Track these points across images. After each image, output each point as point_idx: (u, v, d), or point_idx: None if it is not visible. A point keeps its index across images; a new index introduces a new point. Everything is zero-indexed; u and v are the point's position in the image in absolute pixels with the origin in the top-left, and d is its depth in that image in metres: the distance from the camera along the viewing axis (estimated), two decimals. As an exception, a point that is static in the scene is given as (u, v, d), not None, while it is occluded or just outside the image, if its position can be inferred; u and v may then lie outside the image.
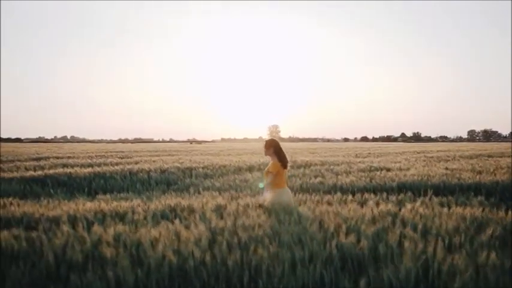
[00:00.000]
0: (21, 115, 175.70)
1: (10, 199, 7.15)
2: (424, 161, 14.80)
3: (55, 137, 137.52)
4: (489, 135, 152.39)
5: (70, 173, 10.80)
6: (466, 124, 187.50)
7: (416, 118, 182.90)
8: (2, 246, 4.17)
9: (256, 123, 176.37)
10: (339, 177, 9.57)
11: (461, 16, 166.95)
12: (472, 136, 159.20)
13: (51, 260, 3.75)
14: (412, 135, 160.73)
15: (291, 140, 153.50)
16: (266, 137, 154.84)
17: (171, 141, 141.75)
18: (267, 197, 5.34)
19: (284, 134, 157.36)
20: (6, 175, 10.95)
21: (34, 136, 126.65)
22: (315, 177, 9.72)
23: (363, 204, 5.81)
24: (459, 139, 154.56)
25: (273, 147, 5.38)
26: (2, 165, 13.73)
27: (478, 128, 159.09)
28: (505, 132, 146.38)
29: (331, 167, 12.03)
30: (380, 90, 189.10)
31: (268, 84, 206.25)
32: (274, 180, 5.30)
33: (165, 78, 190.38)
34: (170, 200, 6.31)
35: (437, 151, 22.99)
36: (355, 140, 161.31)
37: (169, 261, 3.43)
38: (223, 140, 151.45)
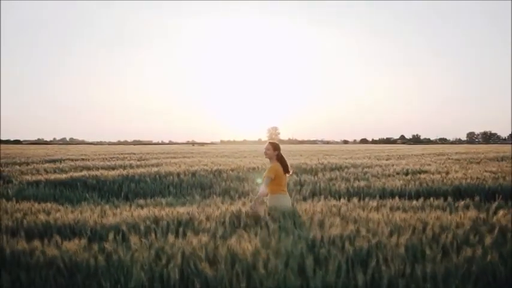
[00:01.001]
0: (20, 117, 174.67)
1: (50, 204, 6.73)
2: (455, 163, 14.40)
3: (54, 138, 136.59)
4: (488, 137, 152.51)
5: (97, 175, 10.35)
6: (464, 126, 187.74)
7: (415, 120, 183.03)
8: (73, 260, 3.74)
9: (255, 125, 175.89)
10: (383, 180, 9.18)
11: (461, 18, 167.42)
12: (472, 138, 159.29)
13: (143, 278, 3.33)
14: (411, 137, 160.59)
15: (291, 142, 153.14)
16: (265, 138, 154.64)
17: (170, 143, 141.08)
18: (259, 207, 4.95)
19: (283, 136, 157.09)
20: (29, 178, 10.50)
21: (33, 138, 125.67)
22: (357, 180, 9.32)
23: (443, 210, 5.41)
24: (458, 141, 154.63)
25: (278, 150, 5.30)
26: (20, 167, 13.25)
27: (477, 130, 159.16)
28: (504, 134, 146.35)
29: (364, 169, 11.62)
30: (378, 92, 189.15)
31: (267, 86, 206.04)
32: (273, 185, 5.17)
33: (164, 80, 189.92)
34: (228, 206, 5.88)
35: (456, 153, 22.63)
36: (354, 142, 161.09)
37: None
38: (222, 142, 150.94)
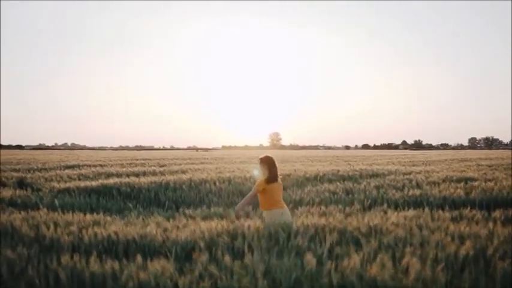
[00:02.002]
0: (21, 122, 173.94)
1: (99, 215, 6.20)
2: (492, 169, 13.90)
3: (56, 143, 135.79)
4: (491, 143, 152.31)
5: (129, 183, 9.83)
6: (465, 132, 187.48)
7: (416, 126, 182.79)
8: (169, 286, 3.23)
9: (256, 131, 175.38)
10: (437, 188, 8.69)
11: (462, 23, 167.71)
12: (473, 144, 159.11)
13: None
14: (413, 142, 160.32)
15: (292, 147, 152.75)
16: (267, 144, 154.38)
17: (172, 148, 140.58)
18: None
19: (285, 141, 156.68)
20: (57, 185, 9.99)
21: (34, 143, 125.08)
22: (411, 188, 8.82)
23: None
24: (460, 146, 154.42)
25: (267, 163, 5.05)
26: (42, 174, 12.72)
27: (479, 136, 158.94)
28: (505, 139, 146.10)
29: (405, 176, 11.12)
30: (379, 98, 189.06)
31: (268, 92, 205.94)
32: (266, 200, 5.00)
33: (165, 85, 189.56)
34: (304, 218, 5.36)
35: (479, 158, 22.14)
36: (356, 147, 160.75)
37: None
38: (224, 147, 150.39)
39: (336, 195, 8.45)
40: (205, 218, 6.44)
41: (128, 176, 11.80)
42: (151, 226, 5.09)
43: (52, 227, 5.28)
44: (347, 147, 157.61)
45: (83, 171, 13.88)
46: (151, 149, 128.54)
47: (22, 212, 6.28)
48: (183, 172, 13.25)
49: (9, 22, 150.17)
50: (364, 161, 20.74)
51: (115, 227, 5.23)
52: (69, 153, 42.31)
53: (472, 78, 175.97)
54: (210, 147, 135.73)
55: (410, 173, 11.94)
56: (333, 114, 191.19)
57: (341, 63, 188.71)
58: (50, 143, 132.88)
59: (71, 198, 8.57)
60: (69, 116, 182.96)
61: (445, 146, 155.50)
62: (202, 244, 4.33)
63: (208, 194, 9.10)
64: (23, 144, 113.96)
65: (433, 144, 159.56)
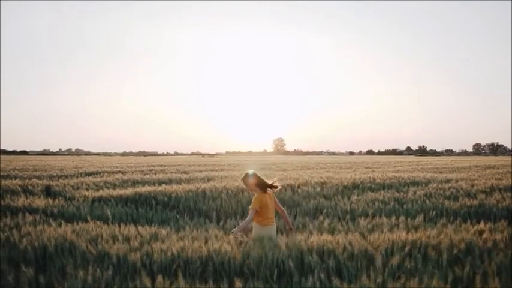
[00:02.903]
0: (25, 128, 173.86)
1: (156, 228, 5.76)
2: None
3: (60, 149, 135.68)
4: (496, 149, 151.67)
5: (164, 191, 9.40)
6: (470, 137, 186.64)
7: (420, 131, 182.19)
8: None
9: (260, 136, 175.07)
10: (491, 198, 8.25)
11: (467, 28, 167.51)
12: (478, 150, 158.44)
13: None
14: (417, 148, 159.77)
15: (296, 153, 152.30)
16: (271, 150, 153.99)
17: (176, 154, 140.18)
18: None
19: (289, 147, 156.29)
20: (88, 193, 9.57)
21: (39, 149, 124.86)
22: (461, 198, 8.39)
23: None
24: (464, 152, 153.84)
25: (248, 180, 5.05)
26: (65, 181, 12.29)
27: (483, 142, 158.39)
28: (510, 145, 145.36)
29: (446, 184, 10.66)
30: (383, 104, 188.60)
31: (272, 97, 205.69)
32: (259, 216, 4.92)
33: (169, 91, 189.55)
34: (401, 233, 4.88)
35: (502, 165, 21.66)
36: (360, 153, 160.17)
37: None
38: (227, 153, 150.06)
39: (387, 205, 8.01)
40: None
41: (155, 183, 11.35)
42: (219, 241, 4.64)
43: (110, 241, 4.86)
44: (351, 153, 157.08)
45: (106, 178, 13.46)
46: (155, 154, 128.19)
47: (69, 224, 5.88)
48: (210, 179, 12.82)
49: (12, 28, 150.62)
50: (386, 168, 20.26)
51: (181, 242, 4.78)
52: (80, 159, 41.89)
53: (476, 84, 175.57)
54: (213, 153, 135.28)
55: (448, 181, 11.47)
56: (336, 120, 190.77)
57: (344, 70, 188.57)
58: (54, 149, 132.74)
59: (108, 208, 8.13)
60: (73, 122, 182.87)
61: (449, 152, 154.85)
62: (291, 263, 3.91)
63: (244, 203, 8.64)
64: (28, 150, 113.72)
65: (438, 150, 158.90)
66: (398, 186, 10.79)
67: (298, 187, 10.25)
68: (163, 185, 10.46)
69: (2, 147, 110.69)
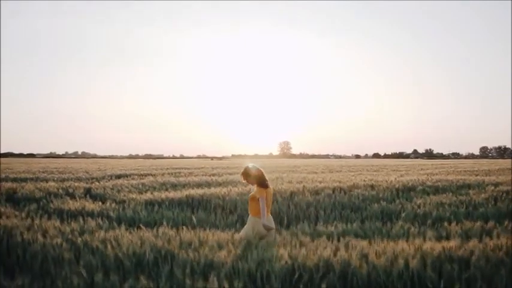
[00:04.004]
0: (27, 130, 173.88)
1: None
2: None
3: (66, 152, 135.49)
4: (503, 152, 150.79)
5: (217, 194, 9.04)
6: (477, 140, 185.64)
7: (425, 134, 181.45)
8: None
9: (266, 140, 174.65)
10: None
11: (472, 31, 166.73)
12: (485, 153, 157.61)
13: None
14: (424, 151, 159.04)
15: (302, 156, 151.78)
16: (277, 153, 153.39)
17: (182, 157, 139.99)
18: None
19: (295, 150, 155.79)
20: (136, 196, 9.24)
21: (45, 151, 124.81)
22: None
23: None
24: (471, 156, 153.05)
25: (248, 175, 5.18)
26: (101, 183, 11.95)
27: (490, 145, 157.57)
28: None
29: (501, 187, 10.25)
30: (389, 106, 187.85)
31: (277, 100, 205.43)
32: (254, 207, 5.05)
33: (172, 94, 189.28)
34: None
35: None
36: (366, 156, 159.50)
37: None
38: (233, 156, 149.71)
39: (459, 209, 7.62)
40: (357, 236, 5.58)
41: (195, 186, 11.02)
42: (324, 248, 4.22)
43: (206, 248, 4.48)
44: (357, 156, 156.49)
45: (141, 181, 13.11)
46: (161, 157, 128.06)
47: (147, 229, 5.51)
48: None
49: (17, 30, 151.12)
50: (416, 171, 19.86)
51: (282, 249, 4.38)
52: (93, 162, 41.64)
53: (483, 86, 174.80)
54: (219, 156, 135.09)
55: (498, 185, 10.99)
56: (340, 123, 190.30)
57: (348, 72, 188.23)
58: (60, 152, 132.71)
59: (170, 212, 7.75)
60: (76, 124, 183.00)
61: (456, 155, 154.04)
62: (431, 273, 3.52)
63: (309, 207, 8.27)
64: (34, 153, 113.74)
65: (444, 153, 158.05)
66: (453, 189, 10.37)
67: (350, 190, 9.85)
68: (213, 188, 10.10)
69: (8, 150, 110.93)
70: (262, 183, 5.09)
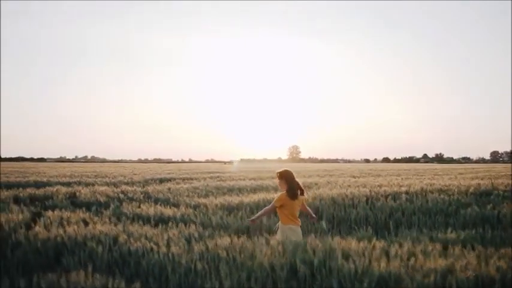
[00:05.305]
0: (42, 135, 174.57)
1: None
2: None
3: (76, 156, 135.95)
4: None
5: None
6: (487, 145, 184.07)
7: (436, 139, 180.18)
8: None
9: (274, 144, 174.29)
10: None
11: (481, 35, 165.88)
12: (495, 157, 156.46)
13: None
14: (434, 156, 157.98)
15: (312, 160, 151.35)
16: (286, 157, 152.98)
17: (191, 161, 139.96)
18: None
19: (304, 154, 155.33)
20: (205, 201, 8.85)
21: (55, 156, 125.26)
22: None
23: None
24: (482, 160, 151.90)
25: (285, 178, 5.02)
26: (151, 187, 11.58)
27: (501, 149, 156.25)
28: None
29: None
30: (398, 111, 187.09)
31: (284, 104, 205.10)
32: (284, 215, 4.95)
33: (183, 99, 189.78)
34: None
35: None
36: (376, 161, 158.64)
37: None
38: (243, 160, 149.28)
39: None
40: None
41: (254, 191, 10.63)
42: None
43: (355, 256, 4.07)
44: (367, 161, 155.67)
45: (192, 185, 12.74)
46: (169, 161, 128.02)
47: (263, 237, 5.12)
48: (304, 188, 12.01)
49: (25, 35, 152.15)
50: (457, 174, 19.35)
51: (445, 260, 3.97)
52: (119, 166, 41.34)
53: (495, 90, 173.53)
54: (228, 160, 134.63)
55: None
56: (349, 128, 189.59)
57: (357, 76, 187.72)
58: (70, 156, 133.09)
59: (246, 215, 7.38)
60: (81, 128, 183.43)
61: (466, 160, 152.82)
62: None
63: (395, 212, 7.83)
64: (45, 157, 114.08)
65: (454, 157, 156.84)
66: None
67: (424, 194, 9.39)
68: (273, 193, 9.70)
69: (19, 155, 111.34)
70: (292, 191, 4.96)
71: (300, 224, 5.05)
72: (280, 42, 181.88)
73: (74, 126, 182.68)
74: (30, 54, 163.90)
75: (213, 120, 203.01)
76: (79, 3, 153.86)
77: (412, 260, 4.01)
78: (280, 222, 5.05)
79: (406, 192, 9.50)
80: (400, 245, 4.77)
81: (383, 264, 3.85)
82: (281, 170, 5.17)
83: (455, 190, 9.99)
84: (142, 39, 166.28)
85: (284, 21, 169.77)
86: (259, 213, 5.26)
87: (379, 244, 4.73)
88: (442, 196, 9.08)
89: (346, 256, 4.13)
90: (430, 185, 11.05)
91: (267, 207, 5.19)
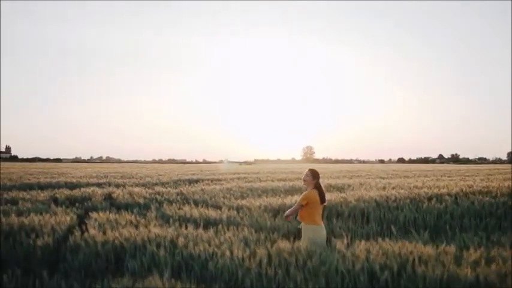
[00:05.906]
0: (59, 136, 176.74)
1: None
2: None
3: (91, 157, 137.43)
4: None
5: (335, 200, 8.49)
6: (504, 145, 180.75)
7: (452, 139, 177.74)
8: None
9: (288, 144, 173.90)
10: None
11: (495, 36, 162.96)
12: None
13: None
14: (450, 156, 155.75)
15: (325, 161, 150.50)
16: (299, 158, 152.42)
17: (204, 162, 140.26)
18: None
19: (318, 155, 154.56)
20: (244, 203, 8.75)
21: (70, 156, 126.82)
22: None
23: None
24: (499, 161, 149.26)
25: (317, 178, 5.09)
26: (186, 188, 11.52)
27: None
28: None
29: None
30: (412, 110, 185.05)
31: (298, 105, 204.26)
32: (308, 214, 4.93)
33: (196, 100, 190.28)
34: None
35: None
36: (390, 161, 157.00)
37: None
38: (257, 161, 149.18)
39: None
40: None
41: (286, 192, 10.50)
42: None
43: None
44: (381, 161, 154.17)
45: (224, 186, 12.65)
46: (183, 162, 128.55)
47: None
48: (341, 189, 11.86)
49: (34, 33, 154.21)
50: (484, 176, 18.96)
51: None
52: (140, 167, 41.58)
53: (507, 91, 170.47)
54: (242, 161, 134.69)
55: None
56: (363, 128, 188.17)
57: (371, 76, 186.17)
58: (85, 157, 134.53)
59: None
60: (92, 130, 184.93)
61: (483, 160, 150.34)
62: None
63: (444, 214, 7.64)
64: (61, 158, 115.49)
65: (470, 158, 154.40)
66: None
67: (466, 196, 9.17)
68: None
69: (36, 155, 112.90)
70: (322, 195, 5.03)
71: (320, 224, 5.00)
72: (294, 44, 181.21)
73: (87, 128, 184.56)
74: (34, 54, 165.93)
75: (227, 122, 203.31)
76: (79, 3, 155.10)
77: (493, 265, 3.88)
78: (302, 223, 5.00)
79: (449, 194, 9.28)
80: (468, 249, 4.62)
81: (467, 270, 3.71)
82: (312, 168, 5.18)
83: (498, 192, 9.74)
84: (158, 43, 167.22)
85: (296, 23, 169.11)
86: (292, 209, 5.14)
87: (449, 249, 4.59)
88: (487, 198, 8.85)
89: (425, 262, 4.00)
90: (469, 187, 10.79)
91: (296, 204, 5.09)
